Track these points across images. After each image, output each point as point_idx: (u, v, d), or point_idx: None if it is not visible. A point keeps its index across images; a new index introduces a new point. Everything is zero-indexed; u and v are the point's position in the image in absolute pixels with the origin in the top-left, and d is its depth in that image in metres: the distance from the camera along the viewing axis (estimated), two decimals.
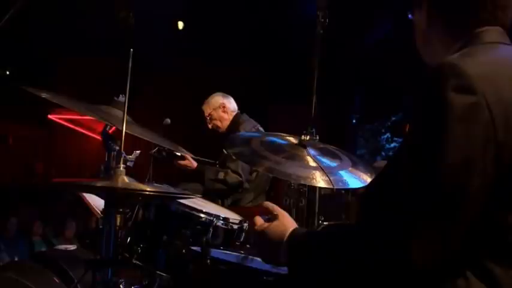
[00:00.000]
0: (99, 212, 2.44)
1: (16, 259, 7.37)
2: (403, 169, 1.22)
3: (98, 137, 11.90)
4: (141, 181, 2.13)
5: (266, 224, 1.64)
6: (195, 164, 4.67)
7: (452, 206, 1.15)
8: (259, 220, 1.68)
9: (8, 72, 11.47)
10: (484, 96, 1.18)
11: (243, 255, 2.29)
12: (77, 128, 12.45)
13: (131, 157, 2.37)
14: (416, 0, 1.51)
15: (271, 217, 1.66)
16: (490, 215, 1.19)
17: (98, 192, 2.14)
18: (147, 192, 1.78)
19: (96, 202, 2.77)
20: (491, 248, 1.20)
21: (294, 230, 1.56)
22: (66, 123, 12.42)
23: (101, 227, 2.01)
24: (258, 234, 1.64)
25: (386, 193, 1.26)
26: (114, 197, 1.86)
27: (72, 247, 3.69)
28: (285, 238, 1.54)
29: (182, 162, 4.63)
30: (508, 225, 1.19)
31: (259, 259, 2.26)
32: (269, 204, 1.72)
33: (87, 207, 2.91)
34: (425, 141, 1.20)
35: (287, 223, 1.61)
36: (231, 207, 3.71)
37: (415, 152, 1.22)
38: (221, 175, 4.52)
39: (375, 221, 1.25)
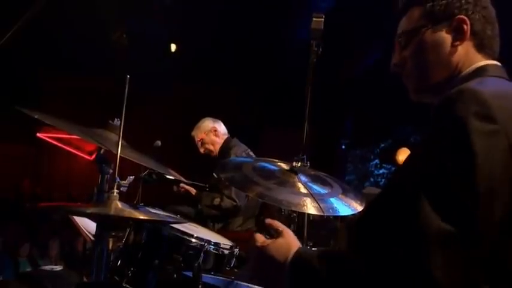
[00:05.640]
0: (89, 235, 2.43)
1: (1, 278, 7.27)
2: (420, 193, 1.23)
3: (86, 156, 11.85)
4: (131, 203, 2.14)
5: (268, 241, 1.53)
6: (194, 191, 4.72)
7: (478, 232, 1.18)
8: (260, 237, 1.55)
9: None
10: (504, 126, 1.23)
11: (233, 280, 2.29)
12: (65, 147, 12.41)
13: (125, 182, 2.37)
14: (439, 17, 1.54)
15: (273, 233, 1.56)
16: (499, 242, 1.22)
17: (90, 217, 2.13)
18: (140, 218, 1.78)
19: (87, 224, 2.76)
20: (491, 273, 1.22)
21: (298, 251, 1.46)
22: (54, 142, 12.38)
23: (87, 250, 2.00)
24: (259, 251, 1.51)
25: (396, 218, 1.27)
26: (106, 221, 1.86)
27: (58, 268, 3.68)
28: (289, 259, 1.44)
29: (182, 190, 4.70)
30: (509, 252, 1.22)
31: (248, 285, 2.27)
32: (273, 221, 1.62)
33: (76, 230, 2.90)
34: (450, 168, 1.21)
35: (291, 242, 1.51)
36: (220, 232, 3.71)
37: (438, 175, 1.23)
38: (216, 201, 4.53)
39: (390, 247, 1.25)
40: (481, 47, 1.54)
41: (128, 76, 1.92)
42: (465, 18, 1.51)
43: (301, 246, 1.50)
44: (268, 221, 1.63)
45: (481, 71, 1.48)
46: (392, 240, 1.25)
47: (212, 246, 2.38)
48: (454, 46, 1.52)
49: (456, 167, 1.21)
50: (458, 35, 1.52)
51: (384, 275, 1.24)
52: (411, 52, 1.58)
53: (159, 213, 2.54)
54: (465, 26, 1.51)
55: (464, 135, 1.21)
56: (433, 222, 1.18)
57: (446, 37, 1.53)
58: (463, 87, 1.31)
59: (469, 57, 1.52)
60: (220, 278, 2.34)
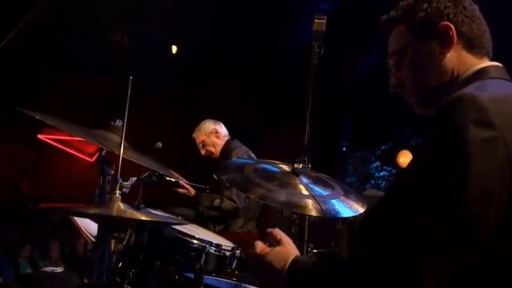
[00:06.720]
0: (90, 237, 2.43)
1: (1, 280, 7.27)
2: (415, 197, 1.23)
3: (87, 158, 11.79)
4: (133, 205, 2.13)
5: (268, 249, 1.58)
6: (193, 192, 4.71)
7: (469, 235, 1.17)
8: (260, 244, 1.61)
9: None
10: (503, 133, 1.22)
11: (235, 282, 2.29)
12: (66, 149, 12.41)
13: (127, 184, 2.37)
14: (423, 29, 1.54)
15: (273, 242, 1.61)
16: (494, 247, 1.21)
17: (93, 218, 2.13)
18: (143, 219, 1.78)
19: (87, 225, 2.76)
20: (494, 277, 1.22)
21: (295, 258, 1.52)
22: (55, 144, 12.38)
23: (88, 252, 1.99)
24: (259, 259, 1.57)
25: (393, 223, 1.28)
26: (109, 223, 1.86)
27: (58, 269, 3.68)
28: (286, 266, 1.49)
29: (181, 190, 4.69)
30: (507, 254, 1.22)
31: (251, 287, 2.27)
32: (275, 230, 1.65)
33: (76, 231, 2.89)
34: (445, 172, 1.21)
35: (290, 250, 1.56)
36: (221, 233, 3.71)
37: (434, 180, 1.22)
38: (217, 202, 4.53)
39: (384, 251, 1.25)
40: (471, 47, 1.53)
41: (131, 78, 1.92)
42: (448, 23, 1.51)
43: (299, 254, 1.56)
44: (269, 230, 1.68)
45: (481, 73, 1.48)
46: (390, 244, 1.26)
47: (214, 248, 2.38)
48: (444, 53, 1.52)
49: (451, 172, 1.21)
50: (446, 42, 1.52)
51: (381, 280, 1.25)
52: (406, 72, 1.59)
53: (160, 214, 2.54)
54: (450, 32, 1.51)
55: (461, 143, 1.21)
56: (425, 227, 1.18)
57: (434, 47, 1.53)
58: (462, 93, 1.31)
59: (462, 59, 1.52)
60: (222, 279, 2.34)
